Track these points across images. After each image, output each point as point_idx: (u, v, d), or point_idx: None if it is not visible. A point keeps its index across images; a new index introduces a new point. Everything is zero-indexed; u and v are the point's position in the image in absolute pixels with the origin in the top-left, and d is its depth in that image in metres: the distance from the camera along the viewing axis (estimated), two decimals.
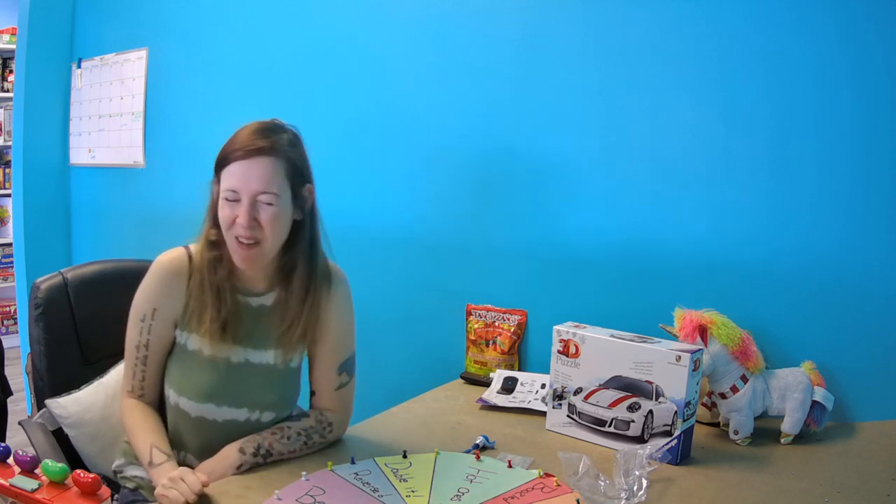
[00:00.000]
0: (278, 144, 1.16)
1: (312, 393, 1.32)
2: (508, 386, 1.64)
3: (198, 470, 1.13)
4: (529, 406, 1.53)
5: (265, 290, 1.26)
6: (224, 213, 1.16)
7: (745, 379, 1.35)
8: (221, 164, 1.16)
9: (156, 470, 1.14)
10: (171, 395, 1.23)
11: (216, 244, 1.22)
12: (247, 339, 1.23)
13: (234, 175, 1.14)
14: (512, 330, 1.82)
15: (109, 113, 2.86)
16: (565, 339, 1.37)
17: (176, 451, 1.23)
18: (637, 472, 1.07)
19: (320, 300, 1.25)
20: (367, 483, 1.11)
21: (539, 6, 1.76)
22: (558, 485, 1.11)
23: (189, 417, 1.22)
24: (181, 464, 1.23)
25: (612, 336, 1.33)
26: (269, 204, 1.14)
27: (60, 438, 1.37)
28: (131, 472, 1.29)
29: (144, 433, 1.20)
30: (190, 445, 1.24)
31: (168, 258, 1.24)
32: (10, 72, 4.32)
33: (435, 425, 1.45)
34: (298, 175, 1.19)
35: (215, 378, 1.21)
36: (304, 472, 1.12)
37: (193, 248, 1.24)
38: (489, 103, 1.86)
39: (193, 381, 1.21)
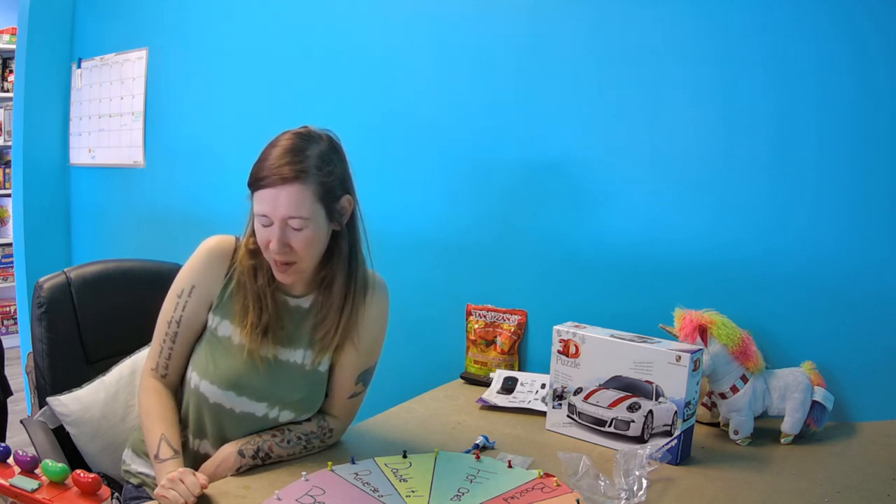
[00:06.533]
0: (306, 168, 1.13)
1: (324, 395, 1.32)
2: (508, 386, 1.64)
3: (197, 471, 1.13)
4: (529, 406, 1.53)
5: (303, 294, 1.27)
6: (260, 235, 1.17)
7: (745, 379, 1.35)
8: (252, 186, 1.16)
9: (160, 465, 1.14)
10: (194, 377, 1.23)
11: (255, 253, 1.23)
12: (279, 337, 1.24)
13: (264, 201, 1.14)
14: (512, 330, 1.82)
15: (109, 113, 2.86)
16: (565, 339, 1.37)
17: (193, 437, 1.24)
18: (637, 472, 1.07)
19: (357, 309, 1.25)
20: (367, 483, 1.11)
21: (540, 8, 1.77)
22: (558, 485, 1.11)
23: (207, 402, 1.21)
24: (197, 453, 1.23)
25: (612, 336, 1.33)
26: (300, 229, 1.14)
27: (61, 437, 1.37)
28: (136, 468, 1.29)
29: (158, 421, 1.19)
30: (208, 433, 1.23)
31: (215, 240, 1.26)
32: (10, 72, 4.32)
33: (435, 425, 1.45)
34: (331, 193, 1.17)
35: (241, 367, 1.21)
36: (304, 472, 1.12)
37: (241, 242, 1.26)
38: (488, 104, 1.86)
39: (218, 367, 1.21)
